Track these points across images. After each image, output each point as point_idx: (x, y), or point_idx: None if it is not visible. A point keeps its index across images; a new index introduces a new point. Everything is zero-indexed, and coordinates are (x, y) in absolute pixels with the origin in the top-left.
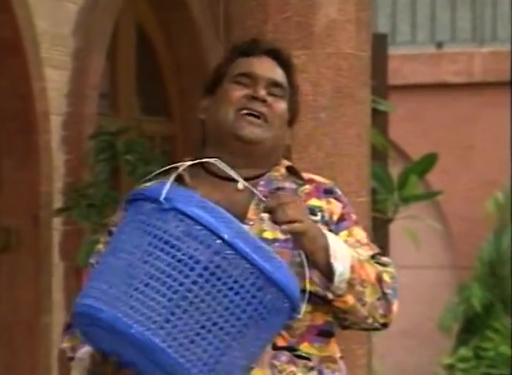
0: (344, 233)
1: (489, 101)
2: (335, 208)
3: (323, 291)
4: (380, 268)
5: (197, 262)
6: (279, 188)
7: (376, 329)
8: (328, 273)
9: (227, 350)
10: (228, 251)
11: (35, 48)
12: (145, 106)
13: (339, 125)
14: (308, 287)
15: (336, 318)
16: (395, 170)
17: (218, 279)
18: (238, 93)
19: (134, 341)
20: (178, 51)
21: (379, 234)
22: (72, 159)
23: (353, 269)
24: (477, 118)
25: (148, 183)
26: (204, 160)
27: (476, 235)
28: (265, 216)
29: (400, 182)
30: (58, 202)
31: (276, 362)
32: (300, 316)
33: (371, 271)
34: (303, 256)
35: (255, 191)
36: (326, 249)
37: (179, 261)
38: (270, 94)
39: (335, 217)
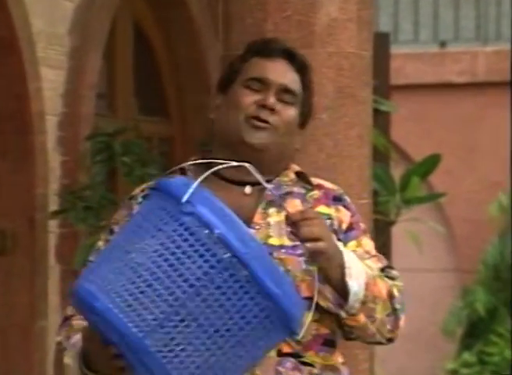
0: (353, 243)
1: (493, 102)
2: (344, 216)
3: (335, 308)
4: (390, 282)
5: (206, 273)
6: (287, 193)
7: (381, 343)
8: (342, 290)
9: (215, 363)
10: (239, 270)
11: (31, 48)
12: (143, 106)
13: (340, 126)
14: (321, 302)
15: (341, 329)
16: (397, 172)
17: (223, 293)
18: (248, 99)
19: (125, 338)
20: (176, 50)
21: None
22: (68, 161)
23: (366, 286)
24: (481, 118)
25: (174, 177)
26: (235, 164)
27: (480, 238)
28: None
29: (402, 184)
30: (54, 204)
31: (281, 369)
32: (298, 337)
33: (382, 287)
34: (315, 270)
35: (285, 208)
36: (342, 266)
37: (188, 269)
38: (280, 100)
39: (344, 226)
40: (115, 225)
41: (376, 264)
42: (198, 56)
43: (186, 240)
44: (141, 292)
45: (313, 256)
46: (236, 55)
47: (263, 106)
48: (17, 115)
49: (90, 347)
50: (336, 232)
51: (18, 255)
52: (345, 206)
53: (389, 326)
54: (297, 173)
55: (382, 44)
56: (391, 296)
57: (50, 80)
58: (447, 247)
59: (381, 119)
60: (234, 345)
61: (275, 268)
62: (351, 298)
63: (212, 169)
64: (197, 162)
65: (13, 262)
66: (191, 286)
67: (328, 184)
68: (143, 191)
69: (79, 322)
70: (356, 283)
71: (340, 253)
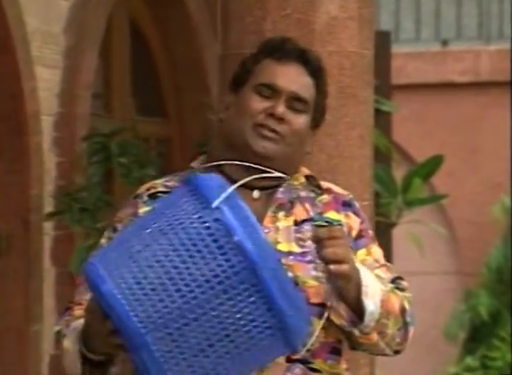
0: (363, 251)
1: (496, 101)
2: (353, 223)
3: (349, 325)
4: (401, 294)
5: (220, 283)
6: (298, 197)
7: (387, 355)
8: (356, 307)
9: (211, 371)
10: (253, 284)
11: (25, 47)
12: (140, 106)
13: (341, 126)
14: (334, 319)
15: (348, 339)
16: (398, 173)
17: (233, 306)
18: (257, 106)
19: (127, 330)
20: (174, 49)
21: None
22: (64, 162)
23: (381, 303)
24: (483, 118)
25: (211, 175)
26: (276, 175)
27: (483, 240)
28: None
29: (403, 185)
30: (49, 206)
31: None
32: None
33: (395, 302)
34: (329, 286)
35: (312, 223)
36: (359, 285)
37: (203, 275)
38: (290, 108)
39: (353, 233)
40: (119, 223)
41: (386, 274)
42: (196, 55)
43: (206, 245)
44: (152, 289)
45: (333, 277)
46: (249, 54)
47: (272, 115)
48: (12, 115)
49: (91, 319)
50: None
51: (12, 258)
52: (354, 212)
53: (398, 340)
54: (307, 177)
55: (383, 42)
56: (403, 310)
57: (45, 80)
58: (449, 249)
59: (382, 120)
60: (233, 356)
61: (290, 286)
62: (367, 318)
63: (243, 181)
64: (214, 163)
65: (7, 264)
66: (203, 292)
67: (337, 189)
68: (148, 189)
69: (80, 312)
70: (372, 302)
71: (357, 271)
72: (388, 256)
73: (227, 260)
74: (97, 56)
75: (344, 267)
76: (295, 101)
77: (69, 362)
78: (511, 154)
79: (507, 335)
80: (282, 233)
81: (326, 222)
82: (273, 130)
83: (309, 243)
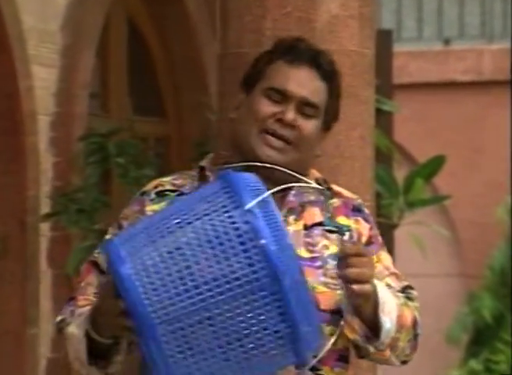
0: (373, 258)
1: (499, 101)
2: (363, 229)
3: (363, 341)
4: (412, 305)
5: (240, 286)
6: (308, 201)
7: (393, 365)
8: (372, 323)
9: (216, 371)
10: (273, 293)
11: (22, 45)
12: (137, 106)
13: (342, 126)
14: (348, 333)
15: (355, 348)
16: (400, 173)
17: (249, 311)
18: (266, 110)
19: (140, 317)
20: (172, 47)
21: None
22: (60, 162)
23: (396, 318)
24: (486, 118)
25: (247, 175)
26: (315, 186)
27: (486, 242)
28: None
29: (405, 186)
30: (45, 207)
31: None
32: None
33: (408, 315)
34: (345, 300)
35: (342, 238)
36: (375, 301)
37: (224, 276)
38: (301, 113)
39: (363, 239)
40: (125, 220)
41: (396, 283)
42: (195, 54)
43: (233, 247)
44: (171, 281)
45: (353, 296)
46: (263, 52)
47: (280, 120)
48: (8, 114)
49: (105, 296)
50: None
51: (8, 260)
52: (364, 218)
53: (407, 351)
54: (318, 180)
55: (384, 41)
56: (415, 323)
57: (42, 79)
58: (452, 251)
59: (383, 120)
60: (241, 360)
61: (307, 298)
62: (383, 335)
63: (277, 188)
64: (297, 184)
65: (4, 266)
66: (221, 293)
67: (346, 193)
68: (156, 187)
69: (85, 302)
70: (389, 318)
71: (374, 286)
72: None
73: (250, 265)
74: (94, 55)
75: (367, 287)
76: (305, 107)
77: (75, 348)
78: (511, 154)
79: (511, 338)
80: (291, 238)
81: (336, 226)
82: (281, 137)
83: (318, 248)
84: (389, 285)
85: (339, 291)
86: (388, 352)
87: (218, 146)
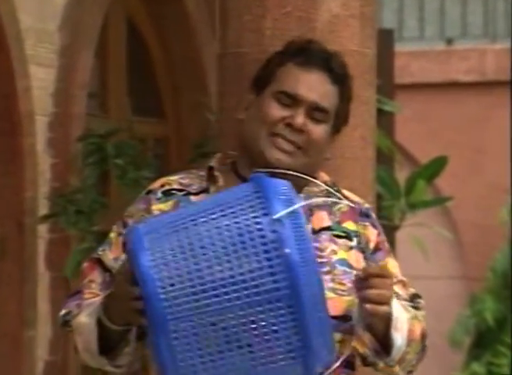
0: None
1: (502, 101)
2: (371, 234)
3: (373, 355)
4: (419, 315)
5: (258, 294)
6: (317, 205)
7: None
8: (383, 338)
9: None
10: (290, 306)
11: (19, 45)
12: (136, 106)
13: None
14: (358, 347)
15: (360, 356)
16: (402, 175)
17: (263, 319)
18: (276, 114)
19: (153, 309)
20: (171, 47)
21: None
22: (58, 163)
23: (407, 333)
24: (489, 119)
25: (281, 182)
26: (350, 203)
27: (488, 244)
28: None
29: (407, 187)
30: (43, 208)
31: None
32: None
33: (417, 328)
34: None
35: (366, 259)
36: (388, 318)
37: (243, 281)
38: (310, 117)
39: (371, 245)
40: (130, 218)
41: (403, 291)
42: (194, 54)
43: (256, 253)
44: (190, 279)
45: (369, 316)
46: (274, 53)
47: (290, 125)
48: (5, 115)
49: (122, 279)
50: (363, 250)
51: (6, 262)
52: (372, 224)
53: (414, 362)
54: (327, 183)
55: (385, 41)
56: (423, 336)
57: (39, 79)
58: (454, 253)
59: (384, 120)
60: (248, 367)
61: (324, 314)
62: (394, 351)
63: (310, 201)
64: (263, 172)
65: (1, 268)
66: (239, 298)
67: (354, 197)
68: (163, 186)
69: (91, 296)
70: (400, 335)
71: (391, 308)
72: None
73: (272, 274)
74: (92, 55)
75: (384, 309)
76: (315, 111)
77: (85, 338)
78: (511, 155)
79: None
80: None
81: (344, 231)
82: (290, 141)
83: (327, 253)
84: (396, 293)
85: (347, 297)
86: (397, 368)
87: (218, 146)
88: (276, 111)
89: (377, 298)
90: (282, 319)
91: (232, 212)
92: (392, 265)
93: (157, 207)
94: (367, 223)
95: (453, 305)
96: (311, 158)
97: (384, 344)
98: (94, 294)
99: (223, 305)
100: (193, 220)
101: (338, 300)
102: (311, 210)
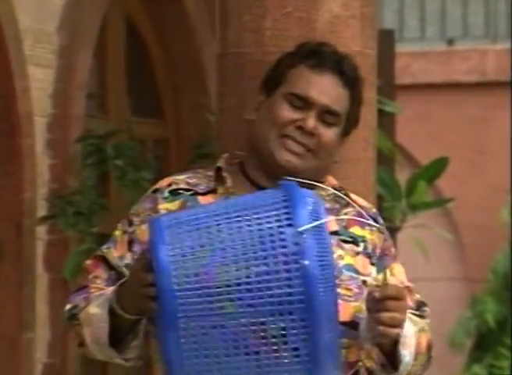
0: (387, 271)
1: (503, 102)
2: (378, 240)
3: (379, 370)
4: (425, 324)
5: (272, 304)
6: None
7: None
8: (391, 353)
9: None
10: (303, 319)
11: (18, 45)
12: (136, 107)
13: None
14: (365, 361)
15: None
16: (402, 176)
17: (273, 329)
18: (287, 116)
19: (165, 305)
20: (171, 47)
21: None
22: (57, 164)
23: (414, 347)
24: (490, 120)
25: (310, 193)
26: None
27: (489, 245)
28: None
29: (407, 188)
30: (42, 210)
31: None
32: None
33: (424, 340)
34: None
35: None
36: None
37: (259, 290)
38: (321, 120)
39: (377, 251)
40: (136, 217)
41: (409, 297)
42: (194, 54)
43: (276, 263)
44: (206, 280)
45: (379, 336)
46: (285, 54)
47: (301, 128)
48: (3, 116)
49: (139, 265)
50: (369, 256)
51: (4, 264)
52: (379, 229)
53: (419, 373)
54: (334, 187)
55: (386, 41)
56: (429, 347)
57: (38, 80)
58: (455, 254)
59: (385, 121)
60: (252, 372)
61: (335, 328)
62: (402, 368)
63: (332, 218)
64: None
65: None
66: (250, 305)
67: (362, 201)
68: (169, 185)
69: (97, 290)
70: (408, 352)
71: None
72: None
73: (289, 286)
74: (91, 55)
75: (395, 332)
76: (326, 115)
77: (94, 329)
78: (511, 155)
79: None
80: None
81: (350, 236)
82: (300, 143)
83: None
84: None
85: (353, 303)
86: None
87: (218, 147)
88: (287, 113)
89: (390, 321)
90: (294, 331)
91: (258, 218)
92: (398, 271)
93: (163, 206)
94: (374, 228)
95: (453, 307)
96: (321, 160)
97: (391, 358)
98: (99, 288)
99: (236, 310)
100: (216, 220)
101: (345, 306)
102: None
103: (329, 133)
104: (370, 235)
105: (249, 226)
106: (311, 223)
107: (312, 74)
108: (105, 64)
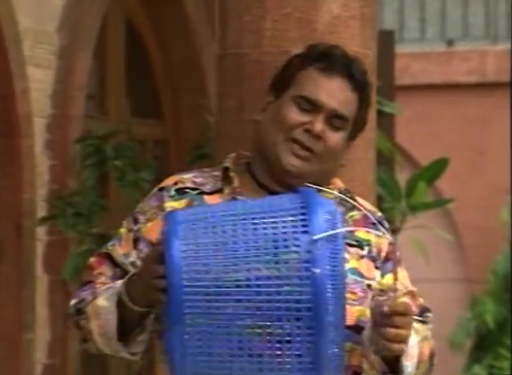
0: (390, 276)
1: (503, 103)
2: (383, 244)
3: None
4: (427, 331)
5: (279, 309)
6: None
7: None
8: (393, 362)
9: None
10: (309, 327)
11: (17, 46)
12: (135, 108)
13: None
14: (366, 368)
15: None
16: (402, 176)
17: (279, 335)
18: (295, 118)
19: (172, 299)
20: (170, 48)
21: None
22: (56, 165)
23: (416, 357)
24: (490, 120)
25: (329, 202)
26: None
27: (489, 246)
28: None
29: (407, 189)
30: (41, 211)
31: None
32: None
33: (426, 349)
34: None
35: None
36: None
37: (268, 294)
38: (329, 124)
39: (382, 254)
40: (141, 215)
41: (412, 303)
42: (193, 55)
43: (288, 268)
44: (216, 279)
45: (383, 350)
46: (294, 56)
47: (308, 131)
48: (3, 117)
49: (149, 260)
50: (374, 259)
51: (4, 264)
52: (385, 233)
53: None
54: (340, 189)
55: (386, 42)
56: (432, 355)
57: (37, 81)
58: (455, 255)
59: (385, 122)
60: (253, 373)
61: (341, 338)
62: None
63: (347, 228)
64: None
65: None
66: (258, 308)
67: (368, 205)
68: (176, 183)
69: (102, 285)
70: (410, 363)
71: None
72: None
73: (298, 293)
74: (91, 56)
75: (400, 347)
76: (334, 118)
77: (101, 322)
78: (511, 156)
79: None
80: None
81: (355, 240)
82: (306, 148)
83: None
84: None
85: (357, 307)
86: None
87: (217, 148)
88: (295, 115)
89: (396, 338)
90: (298, 338)
91: (274, 222)
92: (402, 275)
93: (169, 204)
94: (380, 232)
95: (453, 308)
96: (326, 164)
97: (393, 366)
98: (105, 284)
99: (243, 312)
100: (233, 220)
101: (349, 310)
102: None
103: (336, 137)
104: (376, 239)
105: (264, 229)
106: (326, 231)
107: (321, 77)
108: (105, 65)
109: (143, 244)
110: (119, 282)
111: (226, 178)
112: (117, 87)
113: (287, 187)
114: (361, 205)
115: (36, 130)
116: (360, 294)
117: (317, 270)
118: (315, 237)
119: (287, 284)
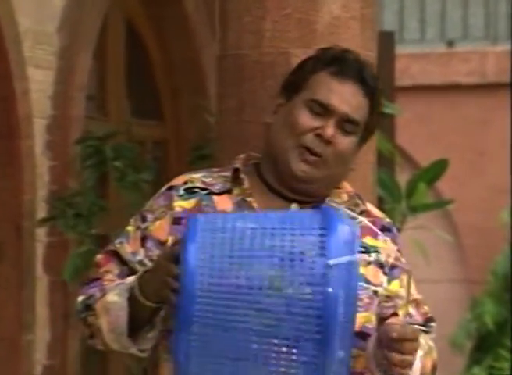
0: (396, 282)
1: (503, 104)
2: (391, 251)
3: None
4: (430, 342)
5: (287, 321)
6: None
7: None
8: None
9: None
10: (314, 350)
11: (17, 47)
12: (135, 109)
13: None
14: None
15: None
16: (402, 177)
17: (286, 353)
18: (306, 123)
19: (182, 303)
20: (171, 49)
21: None
22: (57, 166)
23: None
24: (490, 121)
25: (349, 224)
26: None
27: (489, 247)
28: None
29: (407, 190)
30: (41, 212)
31: None
32: None
33: (429, 363)
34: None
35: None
36: None
37: (277, 312)
38: (340, 128)
39: (390, 261)
40: (150, 213)
41: (416, 312)
42: (193, 56)
43: (301, 283)
44: (228, 292)
45: (388, 372)
46: (306, 59)
47: (319, 136)
48: (3, 118)
49: (164, 258)
50: (381, 266)
51: (4, 265)
52: (392, 239)
53: None
54: (349, 193)
55: (386, 43)
56: (434, 368)
57: (38, 81)
58: (455, 256)
59: (385, 123)
60: None
61: (348, 360)
62: None
63: (365, 256)
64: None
65: None
66: (268, 325)
67: (376, 211)
68: (185, 183)
69: (110, 282)
70: None
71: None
72: None
73: (307, 315)
74: (91, 57)
75: (404, 372)
76: (346, 123)
77: (112, 318)
78: (511, 156)
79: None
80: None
81: (362, 246)
82: (316, 153)
83: None
84: (409, 314)
85: (363, 313)
86: None
87: (217, 149)
88: (307, 120)
89: (401, 363)
90: (305, 359)
91: (292, 240)
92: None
93: (178, 204)
94: (388, 238)
95: (454, 309)
96: (336, 168)
97: None
98: (112, 281)
99: (251, 327)
100: (252, 232)
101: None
102: None
103: (347, 142)
104: (383, 244)
105: (282, 246)
106: (344, 255)
107: (334, 81)
108: (105, 66)
109: (150, 243)
110: (130, 278)
111: (236, 179)
112: (117, 87)
113: (295, 190)
114: (368, 211)
115: (36, 131)
116: (366, 300)
117: (329, 289)
118: (331, 262)
119: (300, 299)
